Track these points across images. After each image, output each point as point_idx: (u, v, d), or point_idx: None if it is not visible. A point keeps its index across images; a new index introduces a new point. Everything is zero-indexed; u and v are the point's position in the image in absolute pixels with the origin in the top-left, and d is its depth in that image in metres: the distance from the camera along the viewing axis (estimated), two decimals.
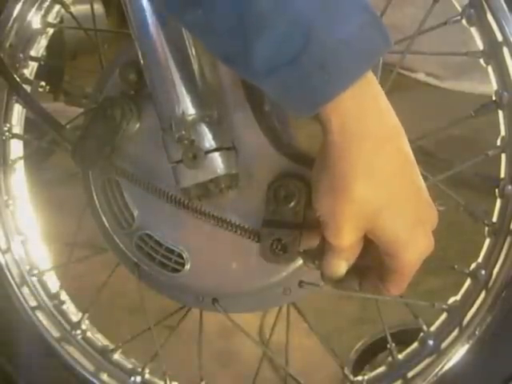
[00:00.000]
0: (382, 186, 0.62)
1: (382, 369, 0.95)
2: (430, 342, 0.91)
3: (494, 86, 0.85)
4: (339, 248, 0.66)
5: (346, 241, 0.65)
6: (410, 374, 0.92)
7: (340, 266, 0.68)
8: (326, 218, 0.65)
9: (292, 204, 0.74)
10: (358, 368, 1.23)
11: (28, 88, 1.01)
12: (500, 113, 0.86)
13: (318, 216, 0.66)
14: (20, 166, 1.05)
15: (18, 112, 1.03)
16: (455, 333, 0.90)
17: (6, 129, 1.03)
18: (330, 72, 0.58)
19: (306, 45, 0.57)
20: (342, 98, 0.59)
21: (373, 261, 0.69)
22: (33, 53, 1.02)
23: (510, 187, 0.86)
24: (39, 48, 1.03)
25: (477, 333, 0.88)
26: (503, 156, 0.87)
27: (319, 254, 0.70)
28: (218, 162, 0.75)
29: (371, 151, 0.61)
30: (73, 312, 1.05)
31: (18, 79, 0.95)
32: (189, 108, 0.74)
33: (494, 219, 0.88)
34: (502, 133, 0.86)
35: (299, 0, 0.57)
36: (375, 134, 0.62)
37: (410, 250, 0.65)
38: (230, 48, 0.60)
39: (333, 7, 0.57)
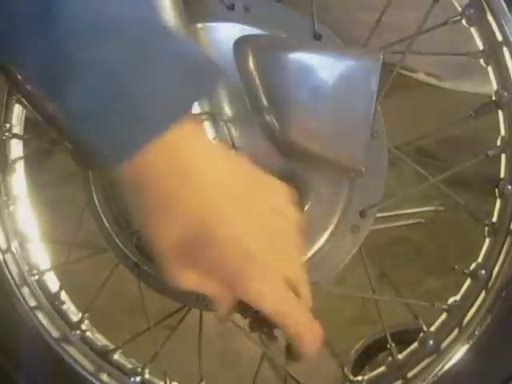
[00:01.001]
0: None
1: (381, 369, 0.95)
2: (430, 342, 0.91)
3: (494, 86, 0.85)
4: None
5: (182, 281, 0.64)
6: (410, 374, 0.92)
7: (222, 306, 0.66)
8: (154, 250, 0.63)
9: None
10: (357, 368, 1.23)
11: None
12: (500, 113, 0.86)
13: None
14: (20, 166, 1.05)
15: (18, 112, 1.03)
16: (455, 333, 0.90)
17: (5, 129, 1.03)
18: (135, 125, 0.56)
19: (113, 96, 0.55)
20: (146, 150, 0.57)
21: None
22: None
23: (509, 187, 0.86)
24: None
25: (477, 333, 0.88)
26: (503, 156, 0.87)
27: None
28: None
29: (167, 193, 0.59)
30: (73, 312, 1.05)
31: (19, 76, 0.95)
32: None
33: (494, 219, 0.88)
34: (502, 133, 0.87)
35: (108, 49, 0.55)
36: (176, 189, 0.59)
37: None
38: (45, 91, 0.58)
39: (142, 58, 0.55)
